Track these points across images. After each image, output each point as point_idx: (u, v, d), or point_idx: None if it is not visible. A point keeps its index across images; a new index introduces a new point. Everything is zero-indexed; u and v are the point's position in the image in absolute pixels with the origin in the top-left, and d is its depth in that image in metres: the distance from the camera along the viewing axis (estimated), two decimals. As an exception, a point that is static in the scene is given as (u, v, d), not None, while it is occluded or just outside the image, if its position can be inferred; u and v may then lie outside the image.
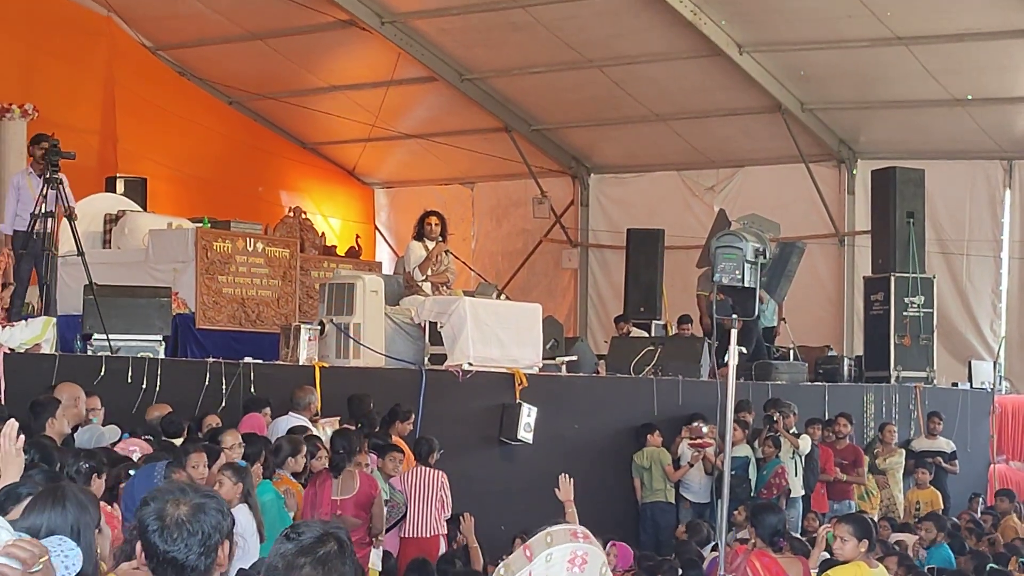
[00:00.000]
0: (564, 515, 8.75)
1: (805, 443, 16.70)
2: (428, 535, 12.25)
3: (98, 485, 7.69)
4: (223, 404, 12.36)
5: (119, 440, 10.07)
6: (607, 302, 25.48)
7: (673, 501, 16.12)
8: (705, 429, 16.15)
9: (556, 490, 9.01)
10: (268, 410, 12.34)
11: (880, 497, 17.91)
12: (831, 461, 17.30)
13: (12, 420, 5.21)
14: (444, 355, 14.79)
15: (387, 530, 11.46)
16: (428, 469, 12.49)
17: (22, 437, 4.87)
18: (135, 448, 9.80)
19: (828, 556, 10.86)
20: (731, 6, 20.18)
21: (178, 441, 10.64)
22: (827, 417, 18.14)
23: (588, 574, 3.63)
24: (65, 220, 13.36)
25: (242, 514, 9.12)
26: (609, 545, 12.07)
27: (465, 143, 25.27)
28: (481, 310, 15.13)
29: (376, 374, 14.18)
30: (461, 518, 12.23)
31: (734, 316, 10.38)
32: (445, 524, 12.50)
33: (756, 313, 10.55)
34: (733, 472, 15.39)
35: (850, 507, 17.10)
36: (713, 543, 12.85)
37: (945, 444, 19.35)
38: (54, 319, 12.63)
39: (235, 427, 11.26)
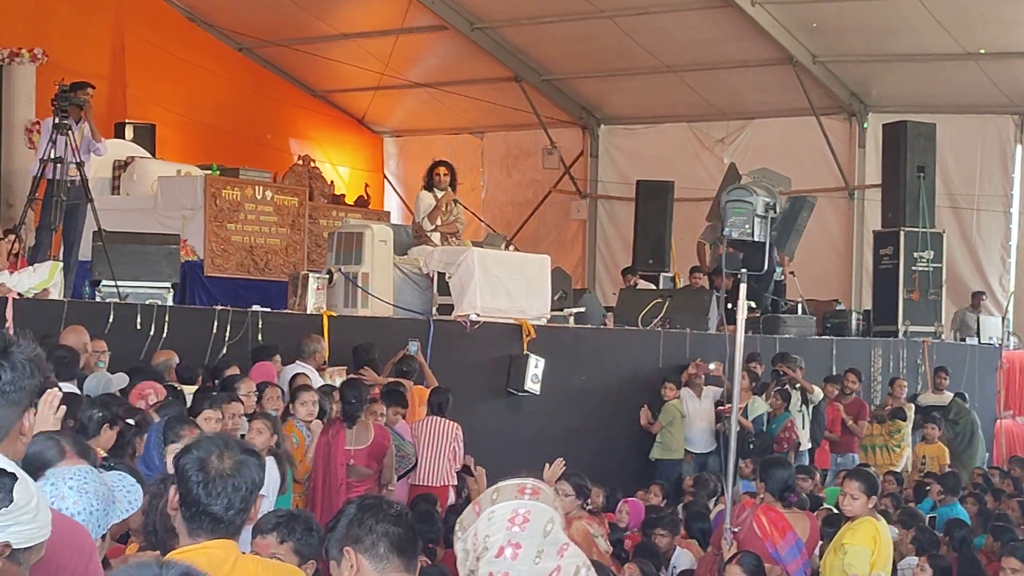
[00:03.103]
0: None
1: (818, 392, 16.71)
2: (438, 484, 12.28)
3: (108, 436, 7.67)
4: (226, 352, 12.34)
5: (131, 386, 10.06)
6: (616, 254, 25.46)
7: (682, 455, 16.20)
8: (712, 366, 16.19)
9: (546, 466, 9.04)
10: (278, 358, 12.33)
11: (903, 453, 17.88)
12: (838, 422, 17.32)
13: (55, 389, 5.17)
14: (452, 305, 14.78)
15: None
16: (442, 420, 12.47)
17: (63, 408, 4.85)
18: (150, 391, 9.79)
19: (834, 510, 10.89)
20: (744, -43, 20.11)
21: (191, 388, 10.66)
22: (834, 372, 18.15)
23: (529, 533, 3.52)
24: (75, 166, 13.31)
25: (270, 466, 9.14)
26: (621, 503, 12.09)
27: (475, 92, 25.19)
28: (489, 261, 15.10)
29: (384, 324, 14.17)
30: (474, 470, 12.18)
31: (743, 270, 10.35)
32: (456, 475, 12.50)
33: (766, 268, 10.52)
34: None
35: (853, 460, 17.14)
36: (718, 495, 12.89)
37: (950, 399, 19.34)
38: (61, 264, 12.61)
39: (245, 375, 11.30)
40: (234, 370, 11.53)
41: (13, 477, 3.07)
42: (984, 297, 22.42)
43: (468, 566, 3.58)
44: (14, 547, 3.06)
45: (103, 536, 4.01)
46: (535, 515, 3.55)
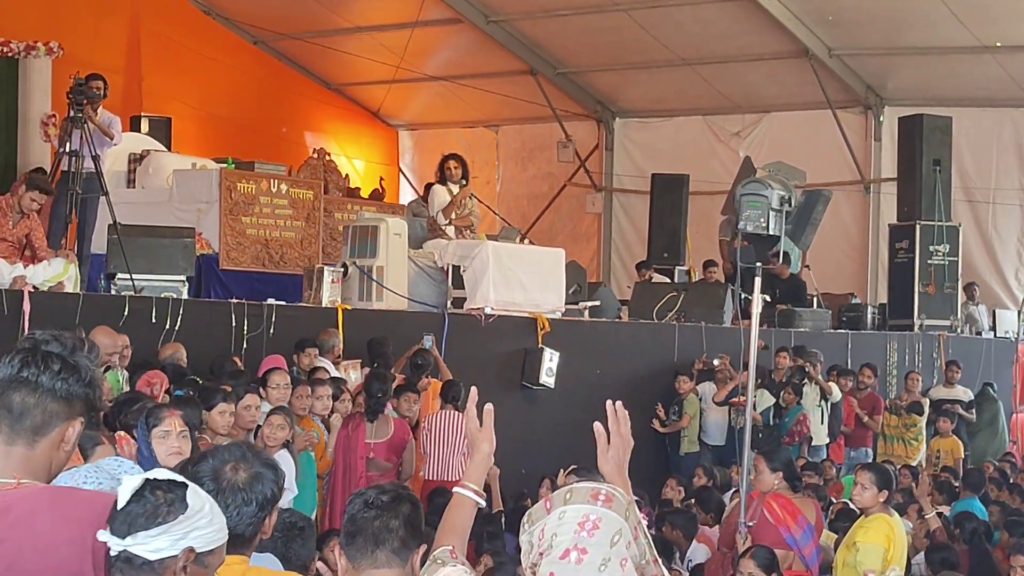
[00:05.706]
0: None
1: (836, 393, 16.71)
2: (452, 479, 12.20)
3: None
4: (244, 345, 12.37)
5: (137, 377, 10.06)
6: (631, 247, 25.43)
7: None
8: (716, 362, 16.22)
9: (561, 471, 8.99)
10: (315, 351, 12.33)
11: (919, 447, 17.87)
12: (852, 416, 17.32)
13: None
14: (466, 299, 14.78)
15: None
16: (456, 413, 12.31)
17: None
18: (157, 381, 9.81)
19: (850, 504, 10.86)
20: (759, -50, 20.06)
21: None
22: (849, 365, 18.15)
23: (596, 540, 3.50)
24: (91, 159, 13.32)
25: (286, 457, 9.15)
26: None
27: (490, 86, 25.18)
28: (504, 254, 15.10)
29: (398, 317, 14.18)
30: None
31: (758, 264, 10.34)
32: (468, 471, 12.41)
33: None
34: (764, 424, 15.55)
35: (867, 455, 17.14)
36: (733, 489, 12.86)
37: (963, 392, 19.30)
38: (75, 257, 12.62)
39: (256, 368, 11.32)
40: (234, 361, 11.56)
41: (184, 485, 3.18)
42: (977, 287, 22.34)
43: (531, 559, 3.58)
44: (198, 551, 3.17)
45: None
46: (605, 523, 3.53)
